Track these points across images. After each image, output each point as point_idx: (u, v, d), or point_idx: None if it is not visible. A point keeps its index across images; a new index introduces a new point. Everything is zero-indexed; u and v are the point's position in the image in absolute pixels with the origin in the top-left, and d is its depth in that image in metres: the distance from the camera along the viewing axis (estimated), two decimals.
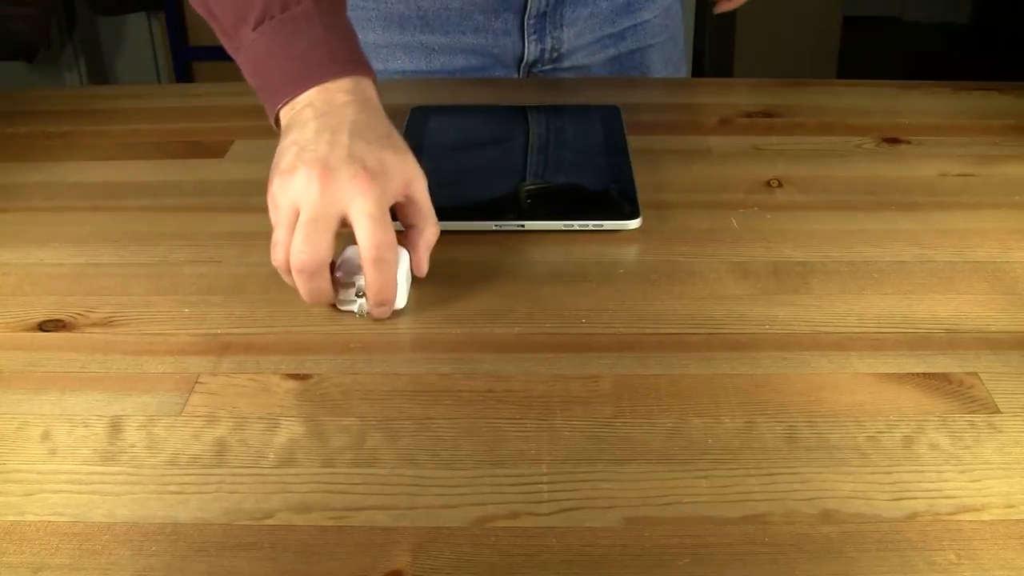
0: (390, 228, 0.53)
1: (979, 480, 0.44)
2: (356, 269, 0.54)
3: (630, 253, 0.61)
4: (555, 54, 0.88)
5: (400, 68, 0.87)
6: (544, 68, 0.89)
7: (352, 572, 0.39)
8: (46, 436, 0.47)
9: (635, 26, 0.91)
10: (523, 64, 0.88)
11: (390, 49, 0.87)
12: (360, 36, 0.61)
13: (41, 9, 2.11)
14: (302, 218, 0.52)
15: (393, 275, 0.53)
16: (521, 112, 0.80)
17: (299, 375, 0.51)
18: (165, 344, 0.53)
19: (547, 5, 0.85)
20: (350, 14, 0.62)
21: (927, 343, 0.52)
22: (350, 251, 0.55)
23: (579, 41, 0.88)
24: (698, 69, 2.74)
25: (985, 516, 0.42)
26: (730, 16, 2.47)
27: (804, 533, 0.41)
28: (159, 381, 0.50)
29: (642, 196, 0.65)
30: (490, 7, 0.84)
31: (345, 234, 0.53)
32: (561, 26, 0.86)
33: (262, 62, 0.59)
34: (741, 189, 0.69)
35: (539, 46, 0.87)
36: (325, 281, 0.53)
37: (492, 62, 0.87)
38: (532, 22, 0.85)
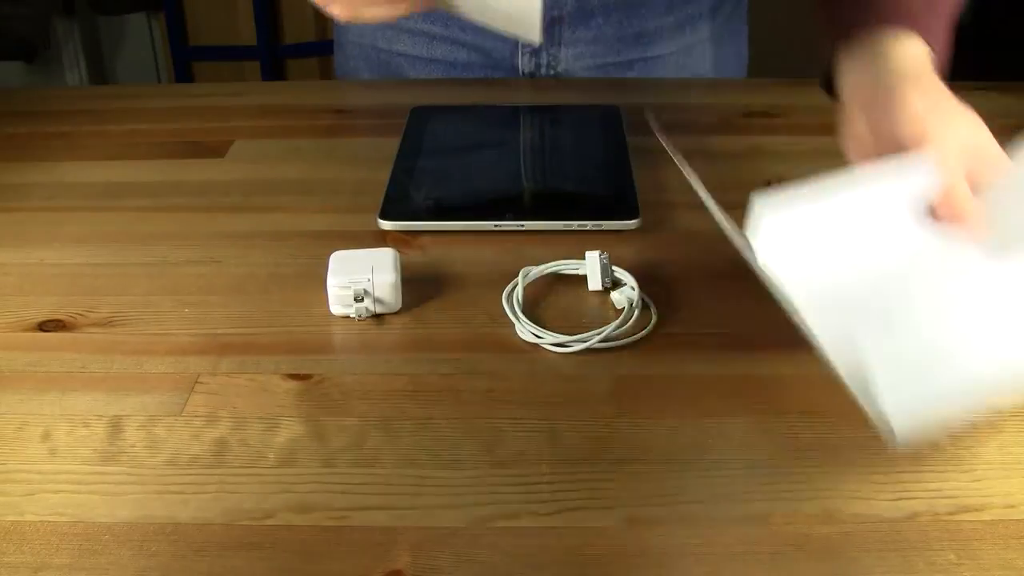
0: None
1: (979, 480, 0.44)
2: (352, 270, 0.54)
3: (630, 253, 0.61)
4: (552, 71, 0.87)
5: (403, 51, 0.87)
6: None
7: (352, 572, 0.39)
8: (46, 436, 0.47)
9: (645, 60, 0.87)
10: (520, 74, 0.87)
11: (395, 31, 0.87)
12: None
13: (41, 9, 2.11)
14: None
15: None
16: (521, 112, 0.80)
17: (299, 375, 0.51)
18: (165, 344, 0.53)
19: (543, 22, 0.84)
20: None
21: None
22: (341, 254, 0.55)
23: (578, 64, 0.87)
24: None
25: (985, 516, 0.42)
26: None
27: (804, 533, 0.41)
28: (159, 381, 0.50)
29: (642, 196, 0.65)
30: None
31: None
32: (559, 44, 0.85)
33: None
34: (741, 189, 0.68)
35: (533, 60, 0.86)
36: None
37: (492, 63, 0.87)
38: None
